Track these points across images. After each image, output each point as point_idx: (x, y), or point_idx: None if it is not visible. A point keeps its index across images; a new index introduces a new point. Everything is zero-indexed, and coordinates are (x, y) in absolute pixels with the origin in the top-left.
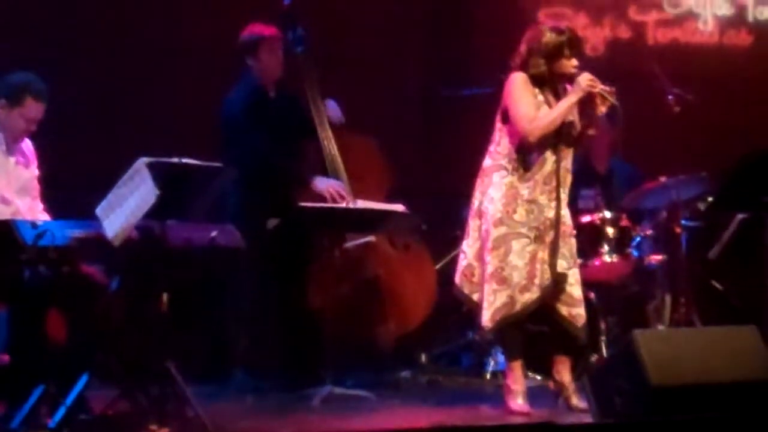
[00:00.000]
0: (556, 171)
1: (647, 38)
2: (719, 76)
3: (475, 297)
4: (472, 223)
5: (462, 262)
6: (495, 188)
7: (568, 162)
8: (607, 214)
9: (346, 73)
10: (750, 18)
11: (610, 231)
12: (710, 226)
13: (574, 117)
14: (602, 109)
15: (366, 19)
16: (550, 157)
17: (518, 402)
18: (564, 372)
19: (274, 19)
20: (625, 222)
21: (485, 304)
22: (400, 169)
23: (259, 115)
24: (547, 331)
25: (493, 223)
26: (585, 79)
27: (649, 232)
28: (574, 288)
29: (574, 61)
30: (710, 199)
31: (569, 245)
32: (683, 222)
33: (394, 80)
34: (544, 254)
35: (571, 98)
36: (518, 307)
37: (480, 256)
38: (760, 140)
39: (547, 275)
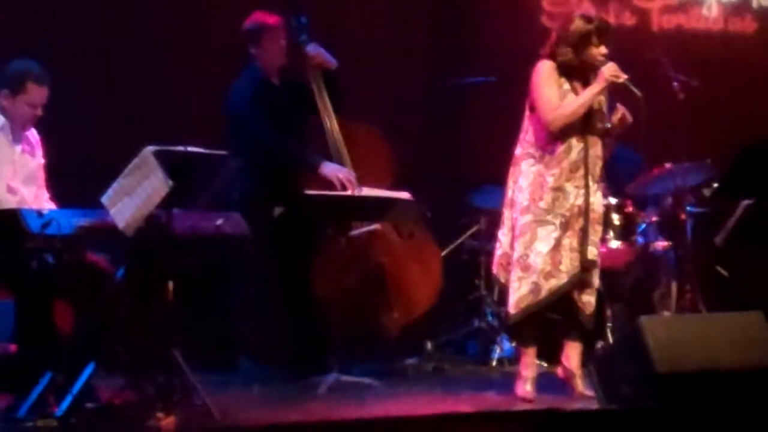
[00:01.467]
0: (584, 159)
1: (652, 25)
2: (724, 63)
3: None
4: (506, 213)
5: (497, 251)
6: (524, 177)
7: (597, 149)
8: (612, 201)
9: (350, 62)
10: (755, 4)
11: (615, 217)
12: (715, 212)
13: (602, 106)
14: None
15: (369, 8)
16: (576, 144)
17: (526, 388)
18: (573, 358)
19: (277, 8)
20: (630, 208)
21: (511, 290)
22: (404, 157)
23: (264, 104)
24: (557, 318)
25: (520, 211)
26: (609, 69)
27: (654, 218)
28: (594, 275)
29: (603, 50)
30: (715, 185)
31: (597, 232)
32: (688, 208)
33: (398, 69)
34: (571, 241)
35: (594, 88)
36: (543, 293)
37: (512, 245)
38: (765, 126)
39: (576, 262)
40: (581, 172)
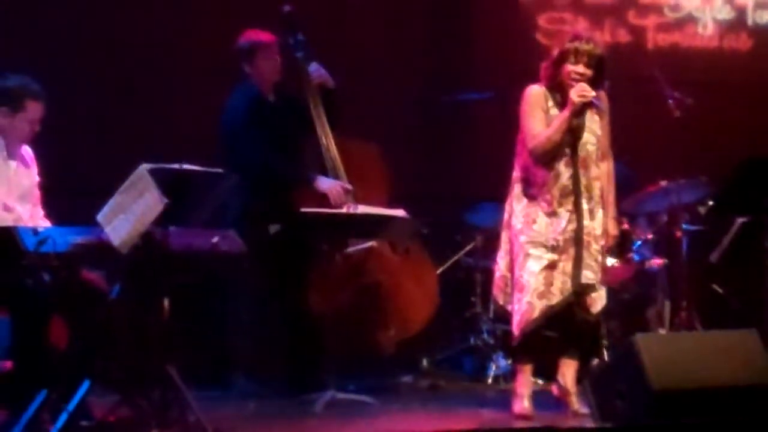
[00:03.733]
0: (575, 184)
1: (647, 42)
2: (719, 80)
3: (509, 307)
4: (503, 235)
5: (496, 274)
6: (517, 200)
7: (593, 171)
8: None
9: (347, 78)
10: (750, 22)
11: None
12: (711, 229)
13: (588, 128)
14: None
15: (366, 25)
16: (565, 170)
17: (523, 405)
18: (568, 375)
19: (274, 25)
20: (625, 226)
21: (513, 312)
22: (400, 174)
23: (259, 121)
24: (554, 335)
25: (515, 234)
26: (576, 90)
27: (649, 236)
28: (596, 297)
29: (580, 68)
30: (711, 202)
31: (594, 255)
32: (684, 226)
33: (395, 85)
34: (565, 265)
35: (564, 113)
36: (536, 313)
37: (510, 267)
38: (760, 144)
39: (569, 285)
40: (571, 197)
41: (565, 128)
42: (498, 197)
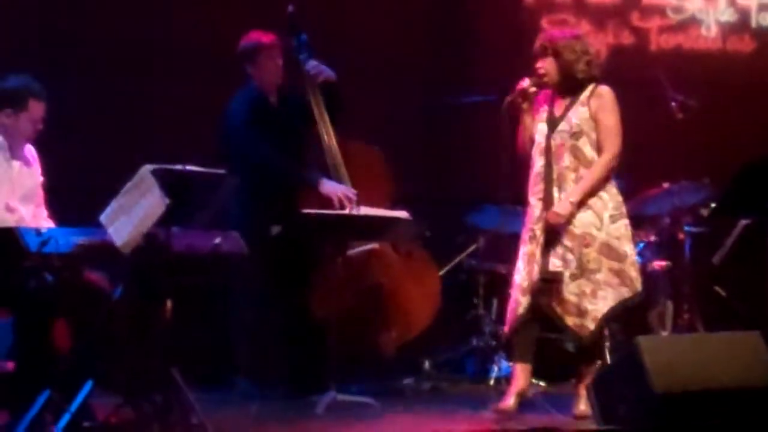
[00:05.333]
0: (546, 173)
1: (650, 44)
2: (722, 82)
3: None
4: None
5: None
6: None
7: (565, 161)
8: None
9: (349, 80)
10: (753, 24)
11: None
12: (713, 231)
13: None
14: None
15: (368, 27)
16: (539, 159)
17: (506, 402)
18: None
19: (277, 26)
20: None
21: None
22: (402, 175)
23: (262, 123)
24: (553, 336)
25: None
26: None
27: (652, 238)
28: (584, 299)
29: (538, 65)
30: (713, 204)
31: (569, 249)
32: (686, 228)
33: (397, 87)
34: (537, 252)
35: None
36: (521, 309)
37: None
38: (763, 145)
39: (537, 274)
40: (540, 185)
41: (526, 123)
42: (500, 199)
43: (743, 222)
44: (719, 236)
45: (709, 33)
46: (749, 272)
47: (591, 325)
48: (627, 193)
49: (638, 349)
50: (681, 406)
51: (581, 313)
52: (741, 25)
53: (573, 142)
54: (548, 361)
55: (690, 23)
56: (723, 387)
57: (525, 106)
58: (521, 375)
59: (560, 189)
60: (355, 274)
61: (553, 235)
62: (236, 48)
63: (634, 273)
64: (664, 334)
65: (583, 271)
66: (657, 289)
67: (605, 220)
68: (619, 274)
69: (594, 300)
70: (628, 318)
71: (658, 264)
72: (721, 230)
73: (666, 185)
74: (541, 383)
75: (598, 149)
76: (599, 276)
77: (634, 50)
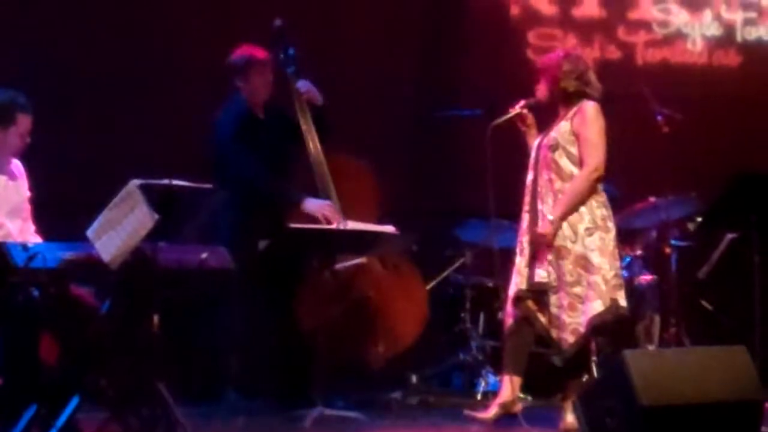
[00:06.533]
0: (532, 185)
1: (636, 59)
2: (708, 97)
3: None
4: None
5: None
6: None
7: (545, 175)
8: None
9: (338, 94)
10: (739, 38)
11: None
12: (700, 245)
13: (558, 136)
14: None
15: (357, 41)
16: (529, 173)
17: (486, 412)
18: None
19: (265, 40)
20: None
21: None
22: (390, 189)
23: (249, 138)
24: (544, 351)
25: None
26: None
27: (638, 252)
28: (564, 313)
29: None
30: (699, 218)
31: (549, 262)
32: (673, 242)
33: (385, 101)
34: (523, 265)
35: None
36: (510, 320)
37: None
38: (749, 160)
39: (523, 285)
40: (527, 197)
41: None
42: (487, 213)
43: (729, 236)
44: (705, 250)
45: (695, 47)
46: (735, 286)
47: (570, 339)
48: (615, 206)
49: (625, 363)
50: (667, 419)
51: (561, 325)
52: (727, 39)
53: (551, 154)
54: (535, 376)
55: (676, 38)
56: (709, 401)
57: (524, 129)
58: (507, 386)
59: (543, 202)
60: (342, 288)
61: (538, 247)
62: (227, 61)
63: (604, 287)
64: (651, 347)
65: (561, 283)
66: (644, 302)
67: (580, 232)
68: (593, 287)
69: (572, 313)
70: (615, 331)
71: (645, 278)
72: (707, 244)
73: (652, 199)
74: (528, 398)
75: (580, 163)
76: (577, 289)
77: (620, 64)
